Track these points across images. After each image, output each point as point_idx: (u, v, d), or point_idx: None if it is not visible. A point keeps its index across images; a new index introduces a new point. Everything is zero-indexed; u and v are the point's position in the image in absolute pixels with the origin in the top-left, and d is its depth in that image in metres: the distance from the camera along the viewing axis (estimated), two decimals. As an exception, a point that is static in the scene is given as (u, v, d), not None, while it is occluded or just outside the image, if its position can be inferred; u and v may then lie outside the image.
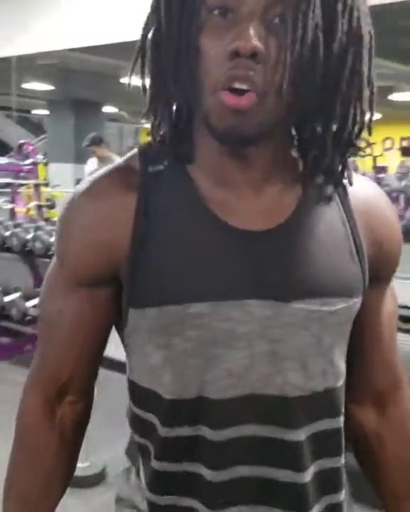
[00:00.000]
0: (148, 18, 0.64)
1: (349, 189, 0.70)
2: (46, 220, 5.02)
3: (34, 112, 12.86)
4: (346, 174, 0.67)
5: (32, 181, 5.68)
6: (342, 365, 0.71)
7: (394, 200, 11.73)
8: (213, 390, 0.66)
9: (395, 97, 9.51)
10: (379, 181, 10.88)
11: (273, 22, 0.57)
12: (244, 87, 0.57)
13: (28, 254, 3.76)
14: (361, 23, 0.58)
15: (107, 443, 2.26)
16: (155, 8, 0.62)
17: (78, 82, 8.30)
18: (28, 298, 3.82)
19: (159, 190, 0.67)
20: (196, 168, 0.68)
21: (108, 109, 10.73)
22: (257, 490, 0.68)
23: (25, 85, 7.91)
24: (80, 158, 8.85)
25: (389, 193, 11.50)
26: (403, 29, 4.88)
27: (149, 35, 0.63)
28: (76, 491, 2.38)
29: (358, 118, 0.62)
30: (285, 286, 0.65)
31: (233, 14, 0.57)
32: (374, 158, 9.88)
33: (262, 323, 0.65)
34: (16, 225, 3.98)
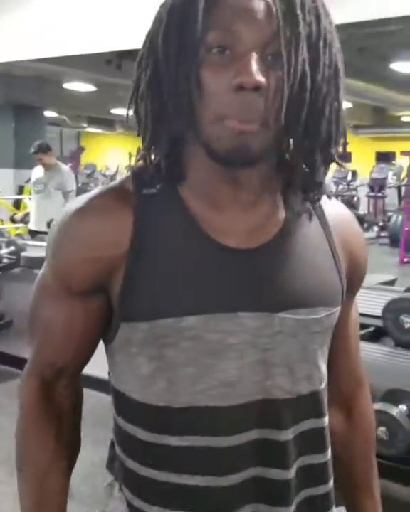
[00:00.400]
0: (141, 60, 0.69)
1: (325, 209, 0.77)
2: (-8, 230, 4.94)
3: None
4: (325, 189, 0.74)
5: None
6: (324, 369, 0.77)
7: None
8: (206, 398, 0.70)
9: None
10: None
11: (268, 58, 0.63)
12: (252, 117, 0.63)
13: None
14: (337, 57, 0.67)
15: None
16: (151, 51, 0.68)
17: (19, 87, 8.15)
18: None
19: (153, 211, 0.71)
20: (188, 190, 0.72)
21: (49, 113, 10.59)
22: (246, 492, 0.72)
23: (-38, 89, 7.73)
24: (21, 164, 8.68)
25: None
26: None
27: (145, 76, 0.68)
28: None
29: (339, 138, 0.69)
30: (274, 298, 0.70)
31: (231, 52, 0.63)
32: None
33: (252, 333, 0.70)
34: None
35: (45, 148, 5.13)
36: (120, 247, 0.70)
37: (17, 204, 7.87)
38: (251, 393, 0.71)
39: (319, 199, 0.74)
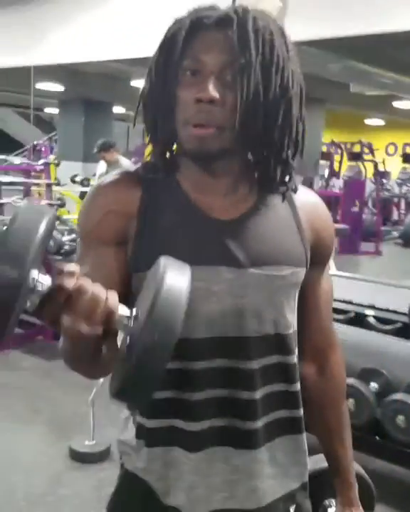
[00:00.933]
0: (145, 78, 0.91)
1: (295, 196, 0.96)
2: (57, 218, 5.28)
3: (46, 110, 13.07)
4: (291, 183, 0.94)
5: (44, 181, 5.93)
6: (290, 318, 0.94)
7: (395, 205, 11.98)
8: (193, 332, 0.88)
9: (398, 104, 9.73)
10: (381, 186, 11.13)
11: (226, 79, 0.83)
12: (204, 123, 0.83)
13: (41, 252, 4.02)
14: (290, 79, 0.86)
15: (111, 424, 2.42)
16: (148, 72, 0.90)
17: (89, 83, 8.49)
18: (40, 292, 4.09)
19: (155, 190, 0.91)
20: (182, 177, 0.92)
21: (117, 109, 10.93)
22: (222, 406, 0.90)
23: (38, 85, 8.13)
24: (89, 157, 9.01)
25: (390, 198, 11.73)
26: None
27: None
28: (84, 466, 2.66)
29: (291, 145, 0.87)
30: (245, 257, 0.89)
31: (200, 74, 0.83)
32: (375, 164, 10.11)
33: (228, 283, 0.88)
34: (31, 224, 4.24)
35: (107, 147, 5.45)
36: (132, 210, 0.90)
37: (83, 196, 8.22)
38: (227, 330, 0.90)
39: (281, 191, 0.93)
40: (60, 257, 3.92)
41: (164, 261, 0.69)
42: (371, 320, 2.60)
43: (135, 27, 3.75)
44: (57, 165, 6.31)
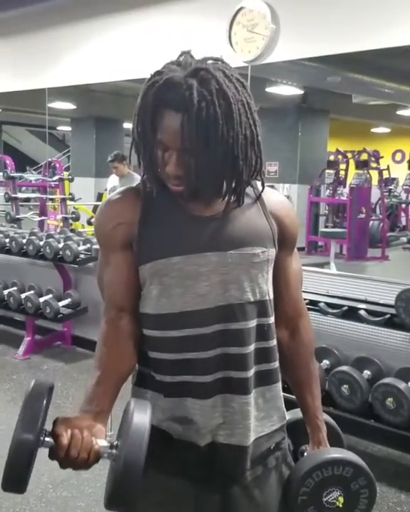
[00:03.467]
0: (133, 123, 1.10)
1: (265, 198, 1.19)
2: (72, 230, 5.53)
3: (59, 128, 13.41)
4: (257, 191, 1.18)
5: (59, 196, 6.22)
6: (265, 287, 1.16)
7: (403, 210, 12.10)
8: (189, 306, 1.11)
9: (403, 112, 9.92)
10: (388, 193, 11.27)
11: (185, 149, 1.03)
12: (176, 184, 1.09)
13: (59, 261, 4.25)
14: (233, 133, 1.04)
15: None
16: (134, 121, 1.09)
17: (100, 101, 8.75)
18: (59, 299, 4.33)
19: (152, 200, 1.14)
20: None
21: (127, 125, 11.20)
22: (223, 361, 1.12)
23: (50, 104, 8.40)
24: (101, 173, 9.27)
25: (397, 204, 11.86)
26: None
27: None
28: (103, 454, 2.89)
29: (245, 169, 1.08)
30: (225, 242, 1.12)
31: (168, 150, 1.06)
32: (380, 172, 10.27)
33: (214, 264, 1.11)
34: (48, 236, 4.48)
35: (120, 158, 5.70)
36: (134, 219, 1.14)
37: (96, 209, 8.47)
38: (216, 301, 1.12)
39: (240, 197, 1.15)
40: (76, 265, 4.16)
41: (132, 403, 1.02)
42: (363, 313, 2.82)
43: (142, 48, 4.01)
44: (71, 180, 6.60)
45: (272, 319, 1.19)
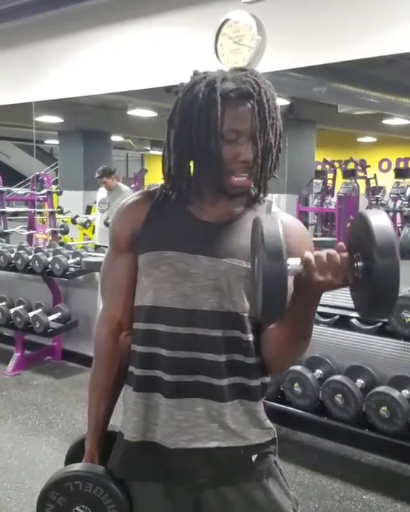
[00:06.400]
0: (172, 120, 1.14)
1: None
2: (61, 244, 5.50)
3: (46, 141, 13.38)
4: (268, 206, 1.20)
5: (47, 209, 6.21)
6: (245, 302, 1.14)
7: (391, 219, 12.18)
8: (173, 302, 1.14)
9: (389, 121, 10.00)
10: (376, 201, 11.37)
11: (254, 140, 1.10)
12: (245, 175, 1.12)
13: (48, 275, 4.22)
14: (280, 126, 1.13)
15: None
16: (170, 121, 1.14)
17: (87, 114, 8.75)
18: (48, 313, 4.29)
19: (163, 203, 1.19)
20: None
21: (115, 138, 11.20)
22: (193, 365, 1.13)
23: (37, 118, 8.38)
24: (90, 186, 9.23)
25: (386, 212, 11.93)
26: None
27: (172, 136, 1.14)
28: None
29: (274, 169, 1.15)
30: (220, 249, 1.14)
31: (238, 139, 1.09)
32: (367, 181, 10.35)
33: (204, 268, 1.13)
34: (37, 250, 4.45)
35: (108, 173, 5.70)
36: (141, 218, 1.19)
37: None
38: (197, 304, 1.14)
39: (264, 203, 1.21)
40: (65, 279, 4.14)
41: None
42: (355, 321, 2.81)
43: (129, 61, 4.01)
44: (59, 194, 6.59)
45: (251, 336, 1.17)
